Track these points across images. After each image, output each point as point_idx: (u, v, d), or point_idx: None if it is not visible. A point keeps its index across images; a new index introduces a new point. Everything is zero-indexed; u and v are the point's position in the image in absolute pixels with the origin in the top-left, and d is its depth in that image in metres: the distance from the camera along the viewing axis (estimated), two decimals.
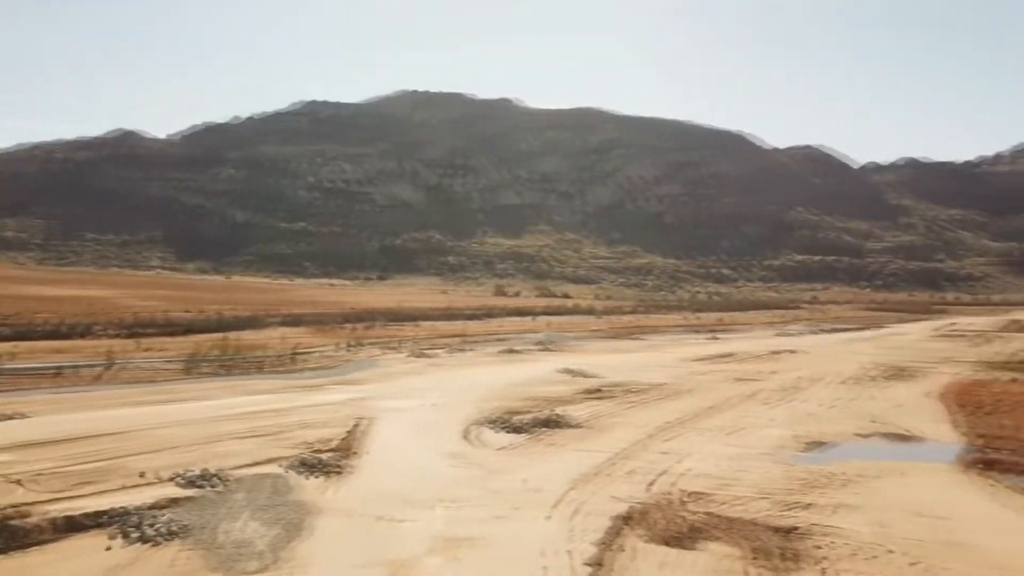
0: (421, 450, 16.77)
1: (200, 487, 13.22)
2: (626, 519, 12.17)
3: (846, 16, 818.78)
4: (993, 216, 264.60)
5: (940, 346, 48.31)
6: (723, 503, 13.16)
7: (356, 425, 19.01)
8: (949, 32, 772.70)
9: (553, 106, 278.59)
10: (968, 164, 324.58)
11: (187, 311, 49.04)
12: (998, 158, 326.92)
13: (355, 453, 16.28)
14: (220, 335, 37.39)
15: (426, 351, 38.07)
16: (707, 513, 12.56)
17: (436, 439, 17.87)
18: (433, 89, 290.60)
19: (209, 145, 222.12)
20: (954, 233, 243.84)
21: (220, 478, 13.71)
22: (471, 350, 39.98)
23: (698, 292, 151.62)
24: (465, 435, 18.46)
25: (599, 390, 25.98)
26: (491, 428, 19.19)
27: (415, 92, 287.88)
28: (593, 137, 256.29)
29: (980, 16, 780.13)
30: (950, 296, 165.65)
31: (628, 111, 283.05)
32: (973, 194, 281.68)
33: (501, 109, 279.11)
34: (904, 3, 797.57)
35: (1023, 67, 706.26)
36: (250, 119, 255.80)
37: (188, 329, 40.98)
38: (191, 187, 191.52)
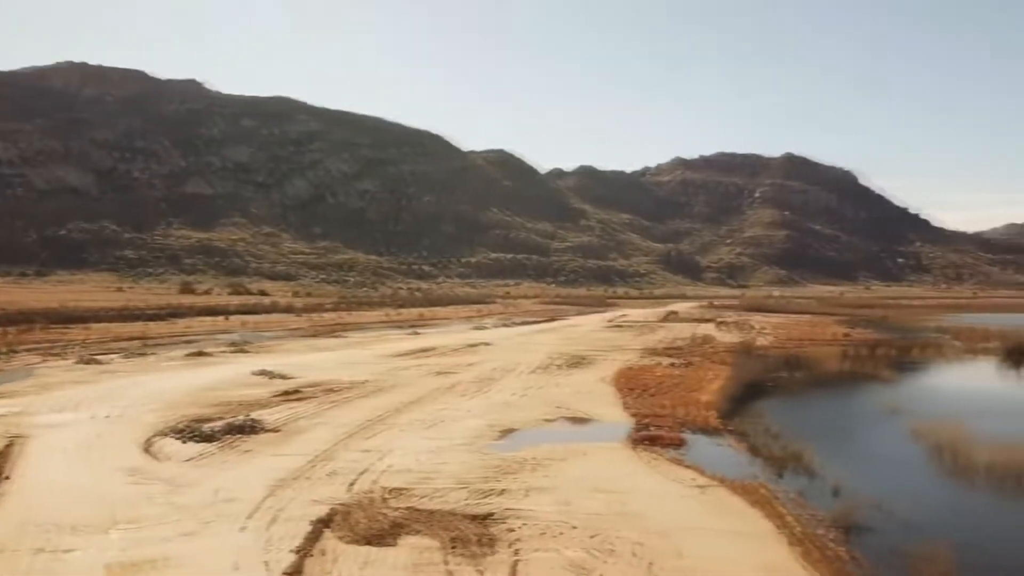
0: (92, 468, 14.86)
1: None
2: (327, 522, 11.85)
3: (526, 25, 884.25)
4: (655, 220, 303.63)
5: (612, 335, 53.95)
6: (424, 496, 13.37)
7: (8, 445, 16.33)
8: (618, 48, 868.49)
9: (244, 92, 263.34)
10: (636, 173, 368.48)
11: None
12: (658, 169, 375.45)
13: (6, 478, 13.96)
14: None
15: (98, 356, 33.97)
16: (408, 508, 12.66)
17: (110, 455, 15.95)
18: (105, 63, 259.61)
19: None
20: (624, 235, 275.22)
21: None
22: (153, 354, 36.53)
23: (400, 288, 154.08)
24: (146, 448, 16.73)
25: (298, 391, 25.12)
26: (177, 438, 17.60)
27: (84, 64, 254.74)
28: (290, 128, 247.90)
29: (642, 37, 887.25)
30: (621, 291, 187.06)
31: (322, 104, 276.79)
32: (638, 200, 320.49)
33: (187, 91, 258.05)
34: (580, 20, 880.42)
35: (678, 87, 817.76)
36: None
37: None
38: None
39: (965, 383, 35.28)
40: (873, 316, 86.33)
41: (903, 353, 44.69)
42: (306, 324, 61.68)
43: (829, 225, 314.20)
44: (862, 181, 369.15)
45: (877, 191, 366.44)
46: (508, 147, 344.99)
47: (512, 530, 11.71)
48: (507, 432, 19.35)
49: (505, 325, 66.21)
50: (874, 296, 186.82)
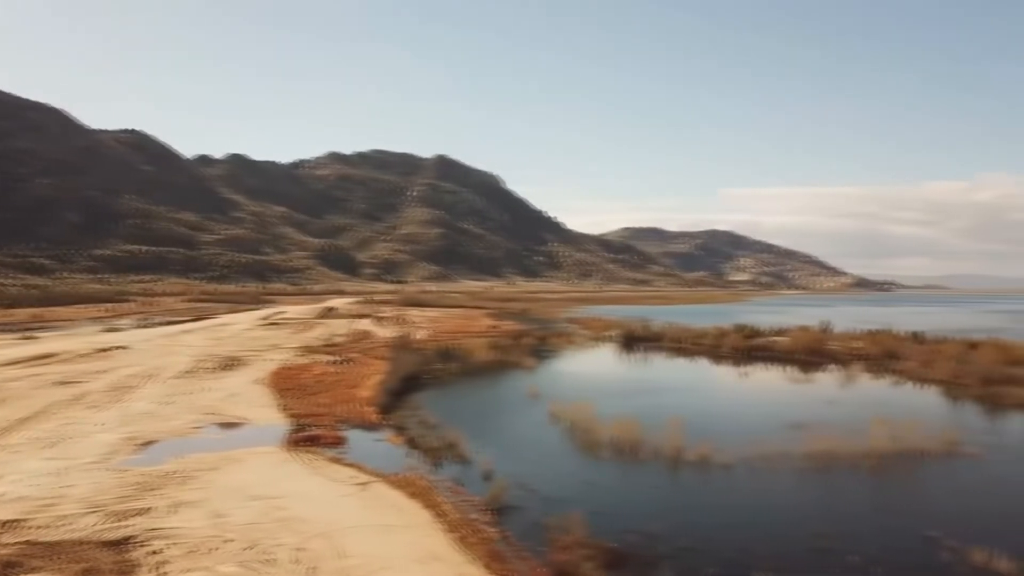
0: None
1: None
2: None
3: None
4: (311, 215, 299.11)
5: (268, 334, 51.88)
6: (45, 527, 11.55)
7: None
8: (270, 36, 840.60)
9: None
10: (290, 165, 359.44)
11: None
12: (315, 163, 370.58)
13: None
14: None
15: None
16: (25, 542, 10.83)
17: None
18: None
19: None
20: (280, 229, 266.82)
21: None
22: None
23: (9, 285, 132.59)
24: None
25: None
26: None
27: None
28: None
29: (295, 30, 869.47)
30: (277, 287, 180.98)
31: None
32: (294, 193, 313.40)
33: None
34: (229, 4, 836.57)
35: (331, 82, 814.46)
36: None
37: None
38: None
39: (592, 368, 40.06)
40: (516, 309, 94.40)
41: (542, 342, 49.52)
42: None
43: (477, 225, 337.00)
44: (504, 186, 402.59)
45: (517, 195, 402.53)
46: (146, 129, 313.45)
47: (156, 552, 10.62)
48: (148, 444, 17.54)
49: (144, 326, 60.17)
50: (517, 291, 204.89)
